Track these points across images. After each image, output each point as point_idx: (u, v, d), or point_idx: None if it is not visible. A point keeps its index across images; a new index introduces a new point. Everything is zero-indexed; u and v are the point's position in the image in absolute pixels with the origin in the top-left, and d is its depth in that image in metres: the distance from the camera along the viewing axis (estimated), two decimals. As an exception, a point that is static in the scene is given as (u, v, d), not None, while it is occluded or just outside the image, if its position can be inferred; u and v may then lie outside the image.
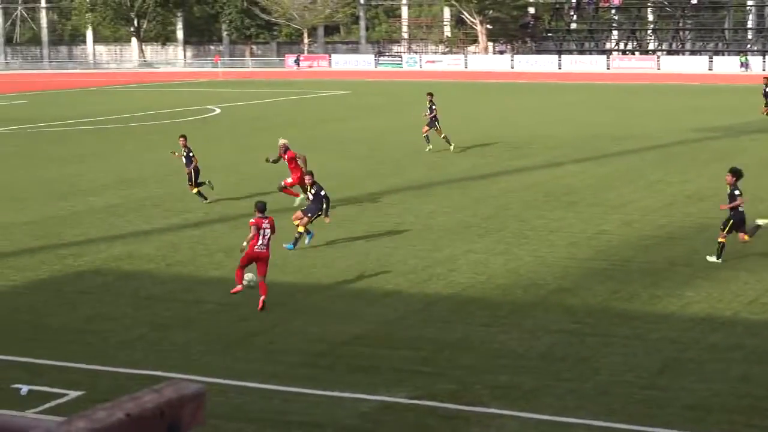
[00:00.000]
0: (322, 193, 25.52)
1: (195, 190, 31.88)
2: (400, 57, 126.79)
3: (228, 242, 26.10)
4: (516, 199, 31.79)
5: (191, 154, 32.00)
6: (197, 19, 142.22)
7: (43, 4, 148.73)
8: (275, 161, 31.39)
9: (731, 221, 23.55)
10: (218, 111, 66.05)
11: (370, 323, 19.28)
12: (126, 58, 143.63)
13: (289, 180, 30.69)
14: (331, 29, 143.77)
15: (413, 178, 36.21)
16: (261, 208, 21.11)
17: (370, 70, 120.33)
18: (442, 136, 42.77)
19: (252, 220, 20.86)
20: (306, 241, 25.51)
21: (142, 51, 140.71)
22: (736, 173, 23.75)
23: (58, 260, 24.50)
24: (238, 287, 20.50)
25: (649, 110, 62.60)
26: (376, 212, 30.15)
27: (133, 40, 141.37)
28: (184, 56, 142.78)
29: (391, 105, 69.26)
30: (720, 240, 23.55)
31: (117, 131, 53.65)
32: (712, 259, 23.53)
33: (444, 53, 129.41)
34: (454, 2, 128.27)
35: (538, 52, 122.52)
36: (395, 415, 14.92)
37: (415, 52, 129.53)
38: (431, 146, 42.57)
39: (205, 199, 31.69)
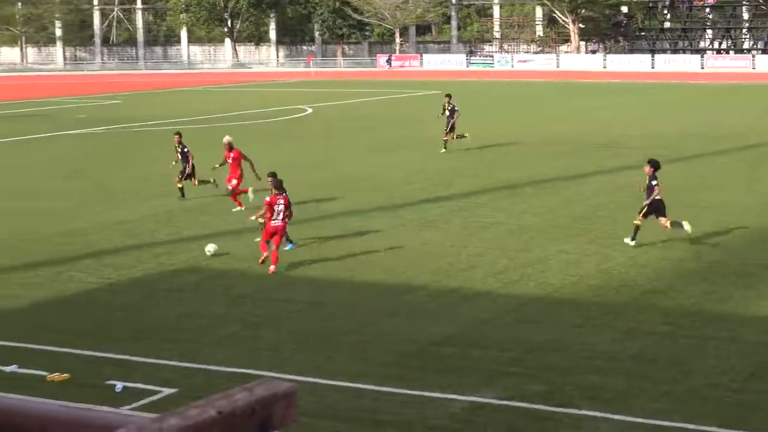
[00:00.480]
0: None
1: (196, 182, 32.64)
2: (492, 57, 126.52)
3: (323, 242, 26.22)
4: (608, 200, 31.54)
5: (186, 150, 32.79)
6: (290, 20, 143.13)
7: (138, 5, 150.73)
8: (221, 164, 31.40)
9: (647, 207, 25.04)
10: (310, 111, 66.41)
11: (460, 323, 19.24)
12: (219, 59, 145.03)
13: (234, 182, 30.93)
14: (422, 29, 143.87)
15: (504, 177, 36.08)
16: (277, 185, 23.34)
17: (462, 69, 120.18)
18: (447, 137, 43.09)
19: (267, 199, 23.28)
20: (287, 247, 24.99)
21: (235, 51, 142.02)
22: (654, 164, 25.22)
23: (152, 259, 24.80)
24: (264, 256, 23.20)
25: (744, 110, 61.71)
26: (468, 212, 30.08)
27: (227, 40, 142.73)
28: (277, 56, 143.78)
29: (481, 105, 69.08)
30: (636, 222, 24.96)
31: (209, 131, 54.17)
32: (627, 240, 25.02)
33: (536, 53, 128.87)
34: (546, 1, 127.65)
35: (631, 51, 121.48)
36: (485, 416, 14.87)
37: (507, 52, 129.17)
38: (443, 151, 42.90)
39: (183, 196, 32.41)
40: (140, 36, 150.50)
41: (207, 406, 2.14)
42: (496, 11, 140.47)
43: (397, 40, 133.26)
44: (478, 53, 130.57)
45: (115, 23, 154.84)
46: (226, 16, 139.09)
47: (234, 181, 31.08)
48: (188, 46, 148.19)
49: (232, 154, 31.03)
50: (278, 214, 22.75)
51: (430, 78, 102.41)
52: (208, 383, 15.97)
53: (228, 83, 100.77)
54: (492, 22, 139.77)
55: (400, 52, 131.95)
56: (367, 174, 36.88)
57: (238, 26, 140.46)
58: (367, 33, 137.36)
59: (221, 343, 18.25)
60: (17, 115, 66.17)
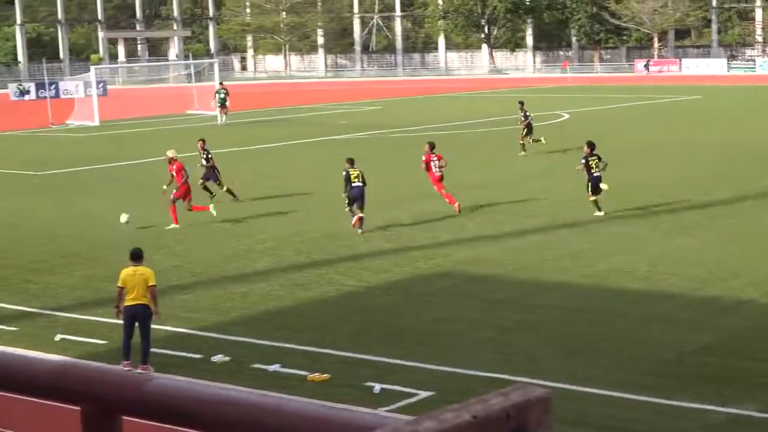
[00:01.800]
0: None
1: (225, 188, 33.81)
2: (754, 61, 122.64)
3: (575, 247, 26.02)
4: None
5: (209, 156, 33.94)
6: (547, 25, 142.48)
7: (397, 12, 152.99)
8: (168, 183, 30.83)
9: (590, 183, 30.02)
10: (566, 116, 65.96)
11: (720, 333, 18.76)
12: (476, 65, 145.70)
13: (176, 191, 30.61)
14: (681, 33, 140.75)
15: (765, 185, 34.90)
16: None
17: (722, 74, 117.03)
18: (524, 140, 45.01)
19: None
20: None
21: (492, 57, 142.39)
22: (591, 145, 30.71)
23: (410, 262, 25.11)
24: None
25: None
26: (724, 219, 29.29)
27: (484, 46, 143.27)
28: (534, 62, 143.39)
29: (743, 110, 67.11)
30: (591, 200, 29.93)
31: (467, 136, 54.50)
32: (597, 213, 29.60)
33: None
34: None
35: None
36: (743, 428, 14.45)
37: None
38: (525, 153, 44.48)
39: (213, 195, 33.39)
40: (399, 43, 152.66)
41: (462, 410, 2.16)
42: (759, 14, 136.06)
43: (656, 44, 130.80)
44: (739, 57, 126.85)
45: (374, 31, 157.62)
46: (483, 23, 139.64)
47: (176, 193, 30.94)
48: (445, 52, 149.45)
49: (174, 167, 30.77)
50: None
51: (689, 83, 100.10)
52: (464, 387, 16.06)
53: (484, 89, 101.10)
54: (754, 26, 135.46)
55: (658, 57, 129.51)
56: (624, 179, 36.32)
57: (495, 32, 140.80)
58: (624, 38, 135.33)
59: (476, 347, 18.32)
60: (281, 122, 68.10)
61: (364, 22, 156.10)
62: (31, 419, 14.94)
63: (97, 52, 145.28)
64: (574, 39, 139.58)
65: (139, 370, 17.62)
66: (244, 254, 26.60)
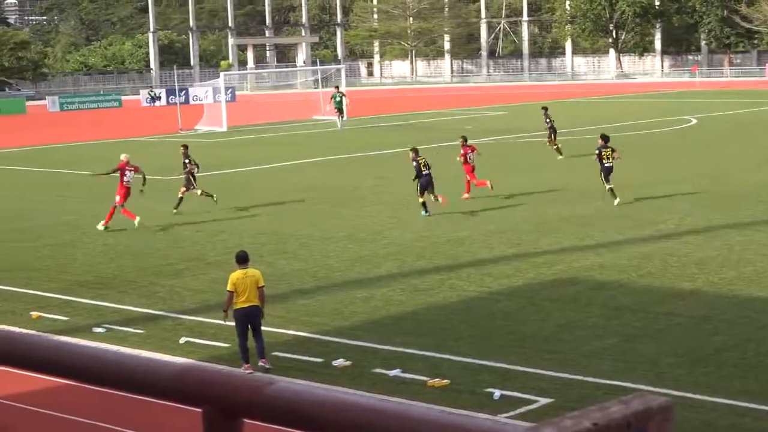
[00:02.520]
0: None
1: (200, 192, 34.28)
2: None
3: (701, 255, 25.61)
4: None
5: (186, 161, 34.38)
6: (676, 29, 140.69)
7: (524, 17, 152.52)
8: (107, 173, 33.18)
9: (602, 173, 33.16)
10: (695, 121, 65.03)
11: None
12: (603, 69, 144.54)
13: (119, 199, 31.69)
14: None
15: None
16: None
17: None
18: (555, 146, 47.33)
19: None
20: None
21: (619, 62, 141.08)
22: (604, 138, 33.70)
23: (533, 268, 24.98)
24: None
25: None
26: None
27: (611, 51, 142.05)
28: (662, 66, 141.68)
29: None
30: (608, 189, 32.86)
31: (589, 142, 54.00)
32: (615, 202, 32.45)
33: None
34: None
35: None
36: None
37: None
38: (562, 156, 46.35)
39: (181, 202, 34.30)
40: (525, 48, 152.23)
41: (582, 417, 2.14)
42: None
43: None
44: None
45: (501, 36, 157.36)
46: (611, 27, 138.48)
47: (117, 198, 31.92)
48: (572, 57, 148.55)
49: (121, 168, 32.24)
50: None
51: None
52: (584, 394, 15.92)
53: (611, 94, 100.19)
54: None
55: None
56: (753, 185, 35.68)
57: (623, 37, 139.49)
58: (755, 42, 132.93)
59: (598, 354, 18.14)
60: (406, 127, 68.29)
61: (490, 27, 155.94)
62: (155, 420, 15.21)
63: (226, 58, 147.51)
64: (703, 43, 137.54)
65: (260, 363, 17.87)
66: (368, 259, 26.73)
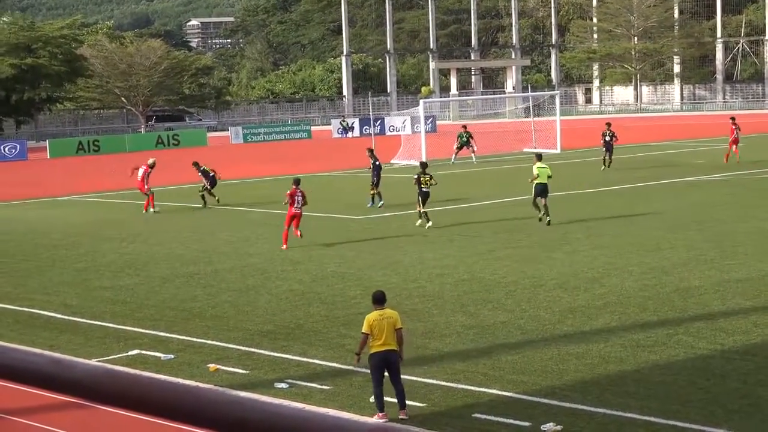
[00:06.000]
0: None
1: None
2: None
3: None
4: None
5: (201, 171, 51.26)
6: None
7: (767, 36, 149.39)
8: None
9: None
10: None
11: None
12: None
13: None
14: None
15: None
16: (296, 181, 37.36)
17: None
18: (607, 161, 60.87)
19: (288, 192, 36.64)
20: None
21: None
22: (423, 164, 42.72)
23: (773, 323, 24.42)
24: (284, 246, 36.41)
25: None
26: None
27: None
28: None
29: None
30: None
31: None
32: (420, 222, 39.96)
33: None
34: None
35: None
36: None
37: None
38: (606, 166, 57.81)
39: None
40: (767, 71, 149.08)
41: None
42: None
43: None
44: None
45: (739, 57, 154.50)
46: None
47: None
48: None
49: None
50: (297, 203, 36.58)
51: None
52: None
53: None
54: None
55: None
56: None
57: None
58: None
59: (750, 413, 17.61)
60: (621, 161, 67.46)
61: (728, 48, 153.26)
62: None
63: (427, 84, 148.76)
64: None
65: (401, 416, 17.95)
66: (582, 310, 26.53)
